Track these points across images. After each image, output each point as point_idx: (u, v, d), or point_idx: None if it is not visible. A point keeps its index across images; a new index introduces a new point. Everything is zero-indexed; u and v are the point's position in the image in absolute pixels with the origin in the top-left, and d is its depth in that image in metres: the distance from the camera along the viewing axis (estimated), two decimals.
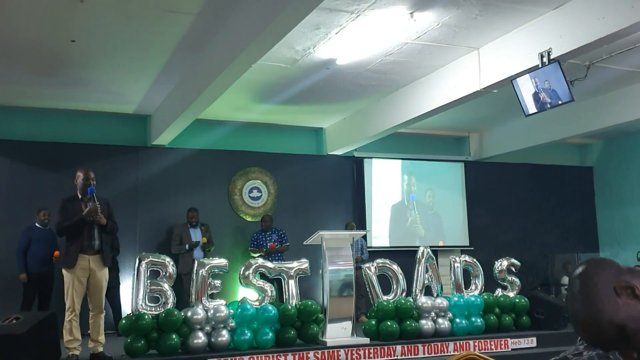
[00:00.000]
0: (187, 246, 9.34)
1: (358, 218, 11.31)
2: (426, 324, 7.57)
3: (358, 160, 11.64)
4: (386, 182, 11.77)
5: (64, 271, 6.23)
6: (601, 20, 6.16)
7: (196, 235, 9.54)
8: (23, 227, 8.56)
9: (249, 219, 10.81)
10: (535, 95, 7.21)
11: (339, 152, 11.43)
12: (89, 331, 6.35)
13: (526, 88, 7.26)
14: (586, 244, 12.90)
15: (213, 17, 6.55)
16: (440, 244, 11.76)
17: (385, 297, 7.64)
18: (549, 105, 7.17)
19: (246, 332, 6.73)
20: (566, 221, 12.84)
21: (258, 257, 9.08)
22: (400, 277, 7.77)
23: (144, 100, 9.44)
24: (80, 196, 6.35)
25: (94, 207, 6.17)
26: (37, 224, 8.54)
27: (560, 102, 7.07)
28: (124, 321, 6.52)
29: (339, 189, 11.46)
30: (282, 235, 10.02)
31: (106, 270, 6.38)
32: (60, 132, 9.86)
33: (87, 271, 6.20)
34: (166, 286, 6.67)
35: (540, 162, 12.82)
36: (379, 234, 11.50)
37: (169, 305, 6.57)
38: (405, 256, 9.77)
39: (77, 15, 6.38)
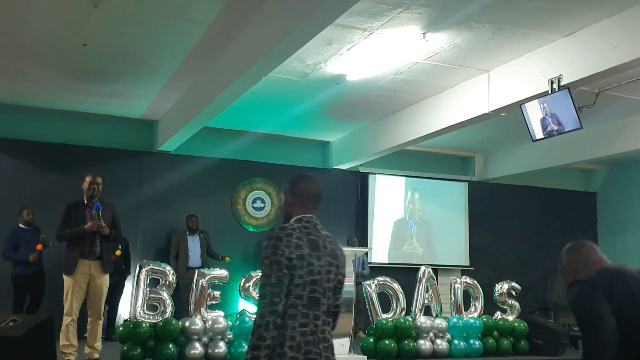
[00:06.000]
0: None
1: (360, 233, 11.30)
2: (424, 344, 7.55)
3: (363, 175, 11.63)
4: (390, 198, 11.75)
5: (64, 276, 6.20)
6: (613, 49, 6.17)
7: (194, 243, 9.53)
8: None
9: (251, 229, 10.79)
10: (543, 121, 7.21)
11: (344, 167, 11.43)
12: (84, 334, 6.33)
13: (534, 113, 7.26)
14: None
15: (226, 28, 6.56)
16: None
17: (384, 315, 7.61)
18: (556, 132, 7.16)
19: (244, 344, 6.70)
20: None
21: None
22: (401, 295, 7.75)
23: (151, 105, 9.45)
24: (86, 201, 6.34)
25: (97, 223, 6.15)
26: (21, 225, 8.28)
27: (567, 130, 7.06)
28: (121, 328, 6.50)
29: (343, 203, 11.45)
30: None
31: (106, 277, 6.35)
32: (67, 133, 9.86)
33: (87, 276, 6.18)
34: (165, 295, 6.65)
35: (544, 185, 12.80)
36: (380, 250, 11.47)
37: (167, 314, 6.55)
38: (405, 273, 9.76)
39: (90, 20, 6.39)
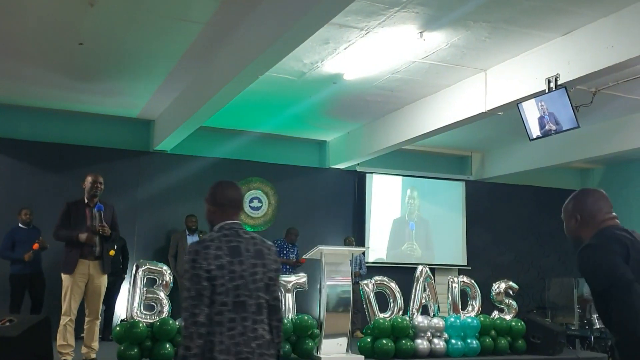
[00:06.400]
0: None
1: (357, 232, 11.29)
2: (422, 344, 7.53)
3: (360, 174, 11.62)
4: (387, 198, 11.75)
5: (63, 275, 6.19)
6: (610, 48, 6.17)
7: None
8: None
9: (248, 229, 10.62)
10: (540, 120, 7.21)
11: (341, 166, 11.42)
12: (82, 334, 6.31)
13: (531, 112, 7.25)
14: None
15: (222, 27, 6.55)
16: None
17: (382, 315, 7.60)
18: (553, 132, 7.16)
19: None
20: (564, 245, 12.76)
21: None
22: (398, 295, 7.74)
23: (148, 105, 9.43)
24: (86, 201, 6.33)
25: (90, 238, 6.13)
26: (20, 224, 8.33)
27: (565, 129, 7.06)
28: (118, 328, 6.48)
29: (340, 202, 11.44)
30: (298, 252, 10.03)
31: (105, 277, 6.33)
32: (63, 133, 9.84)
33: (86, 276, 6.16)
34: (162, 295, 6.63)
35: (541, 184, 12.80)
36: (377, 249, 11.46)
37: (164, 314, 6.53)
38: (402, 273, 9.75)
39: (86, 19, 6.38)
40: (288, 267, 9.75)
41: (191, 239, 9.54)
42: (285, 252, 9.95)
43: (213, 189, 2.99)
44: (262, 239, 2.95)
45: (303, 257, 7.78)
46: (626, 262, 2.49)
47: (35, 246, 7.98)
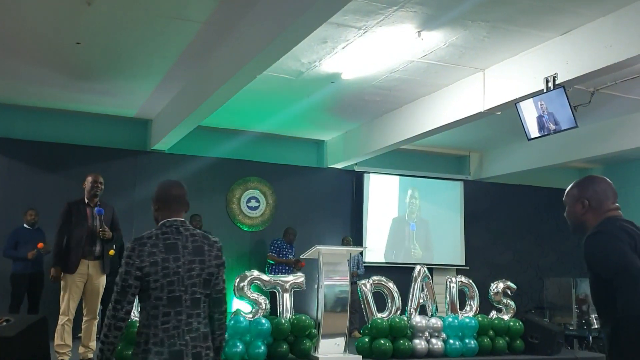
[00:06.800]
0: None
1: (355, 232, 11.28)
2: (419, 344, 7.51)
3: (358, 174, 11.61)
4: (385, 197, 11.74)
5: (62, 275, 6.17)
6: (608, 48, 6.16)
7: None
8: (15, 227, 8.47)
9: (245, 229, 10.76)
10: (539, 120, 7.20)
11: (339, 166, 11.41)
12: (79, 334, 6.30)
13: (530, 112, 7.24)
14: (582, 269, 12.73)
15: (220, 27, 6.53)
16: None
17: (379, 315, 7.59)
18: (552, 131, 7.15)
19: (238, 344, 6.66)
20: (563, 245, 12.80)
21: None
22: (396, 295, 7.72)
23: (145, 104, 9.42)
24: (86, 200, 6.32)
25: (101, 231, 6.15)
26: (25, 225, 8.40)
27: (563, 128, 7.05)
28: None
29: (338, 202, 11.43)
30: (295, 252, 10.03)
31: (104, 277, 6.34)
32: (60, 132, 9.83)
33: (85, 276, 6.16)
34: None
35: (539, 184, 12.80)
36: (375, 249, 11.45)
37: None
38: (400, 273, 9.75)
39: (83, 18, 6.36)
40: (287, 267, 9.74)
41: None
42: (284, 252, 9.94)
43: (157, 187, 3.08)
44: (204, 236, 3.04)
45: (301, 257, 7.75)
46: (634, 252, 2.51)
47: (40, 245, 8.05)
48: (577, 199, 2.82)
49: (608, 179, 2.88)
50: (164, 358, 2.77)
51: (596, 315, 2.80)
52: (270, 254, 9.99)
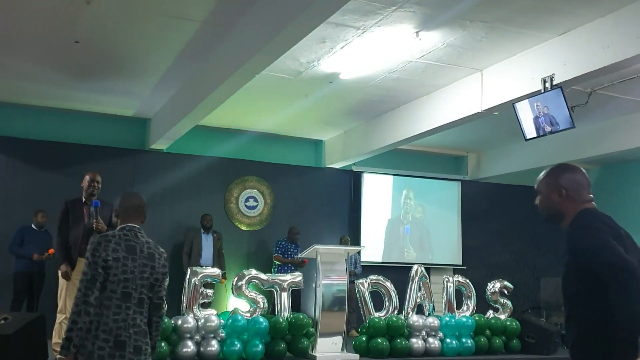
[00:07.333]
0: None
1: (353, 232, 11.29)
2: (416, 343, 7.55)
3: (356, 174, 11.63)
4: (383, 197, 11.75)
5: (59, 273, 6.18)
6: (606, 49, 6.18)
7: (208, 242, 9.54)
8: (17, 226, 8.50)
9: (243, 228, 10.77)
10: (536, 120, 7.22)
11: (337, 166, 11.42)
12: None
13: (527, 112, 7.26)
14: None
15: (219, 26, 6.54)
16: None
17: (377, 314, 7.61)
18: (548, 132, 7.17)
19: (236, 343, 6.69)
20: (560, 245, 12.76)
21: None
22: (393, 294, 7.76)
23: (144, 103, 9.42)
24: (84, 199, 6.33)
25: (95, 224, 6.10)
26: (33, 225, 8.48)
27: (560, 129, 7.07)
28: None
29: (336, 201, 11.44)
30: (299, 250, 10.05)
31: None
32: (59, 131, 9.81)
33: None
34: None
35: None
36: (373, 249, 11.46)
37: None
38: (397, 272, 9.76)
39: (82, 17, 6.36)
40: (293, 267, 9.72)
41: (205, 237, 9.59)
42: (289, 252, 9.94)
43: (120, 197, 3.43)
44: (155, 245, 3.37)
45: (300, 256, 7.77)
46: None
47: (51, 251, 7.99)
48: (553, 188, 2.72)
49: (582, 168, 2.76)
50: (109, 345, 3.07)
51: (563, 307, 2.66)
52: (275, 254, 10.01)
